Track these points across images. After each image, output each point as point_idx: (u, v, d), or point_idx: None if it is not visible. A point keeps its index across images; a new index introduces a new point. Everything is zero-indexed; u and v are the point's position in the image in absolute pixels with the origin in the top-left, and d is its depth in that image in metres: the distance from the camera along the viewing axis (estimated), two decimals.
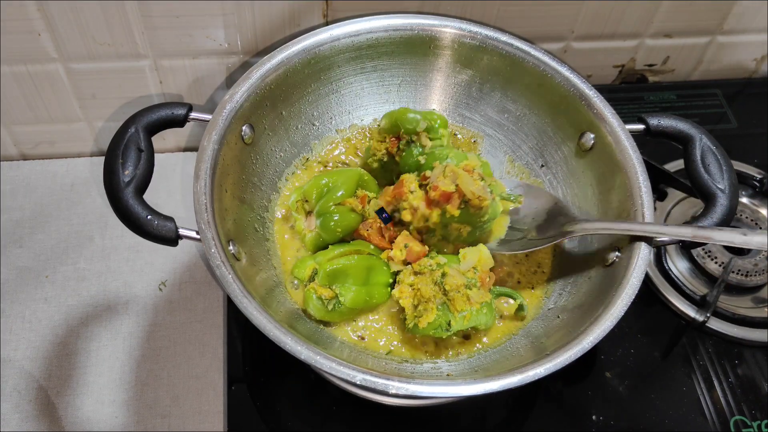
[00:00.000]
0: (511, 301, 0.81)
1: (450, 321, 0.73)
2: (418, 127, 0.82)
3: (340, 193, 0.80)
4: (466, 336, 0.79)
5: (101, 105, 0.98)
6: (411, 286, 0.75)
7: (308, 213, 0.82)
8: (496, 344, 0.79)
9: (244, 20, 0.90)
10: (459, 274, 0.75)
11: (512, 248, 0.82)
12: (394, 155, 0.85)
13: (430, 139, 0.83)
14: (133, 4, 0.85)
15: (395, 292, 0.76)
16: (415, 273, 0.76)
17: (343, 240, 0.82)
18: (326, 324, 0.79)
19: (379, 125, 0.86)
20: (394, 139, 0.84)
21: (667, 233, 0.71)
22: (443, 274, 0.74)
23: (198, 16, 0.88)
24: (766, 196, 1.05)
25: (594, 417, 0.86)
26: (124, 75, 0.94)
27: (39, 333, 0.87)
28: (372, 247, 0.81)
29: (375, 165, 0.86)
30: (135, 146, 0.73)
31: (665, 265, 0.97)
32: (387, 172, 0.87)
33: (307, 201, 0.81)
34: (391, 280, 0.79)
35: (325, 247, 0.81)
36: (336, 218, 0.79)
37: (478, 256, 0.77)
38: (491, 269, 0.78)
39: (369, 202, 0.82)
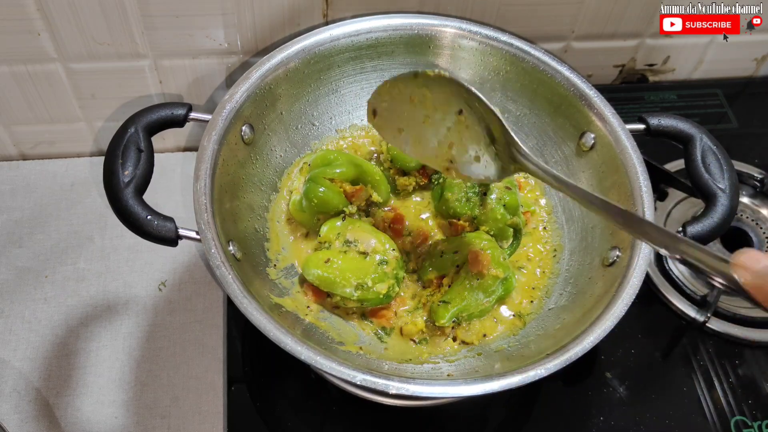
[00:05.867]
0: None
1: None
2: None
3: (339, 170, 0.79)
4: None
5: (101, 105, 0.98)
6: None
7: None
8: (495, 344, 0.79)
9: (243, 20, 0.90)
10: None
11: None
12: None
13: None
14: (133, 4, 0.85)
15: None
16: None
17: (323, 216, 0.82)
18: (326, 323, 0.79)
19: (390, 160, 0.88)
20: (422, 170, 0.87)
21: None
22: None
23: (198, 16, 0.88)
24: (766, 196, 1.04)
25: (594, 417, 0.85)
26: (123, 75, 0.94)
27: (38, 333, 0.87)
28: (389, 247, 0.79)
29: (410, 190, 0.88)
30: (135, 146, 0.73)
31: (666, 265, 0.97)
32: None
33: (310, 166, 0.82)
34: (383, 293, 0.76)
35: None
36: (321, 190, 0.79)
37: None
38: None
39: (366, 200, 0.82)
